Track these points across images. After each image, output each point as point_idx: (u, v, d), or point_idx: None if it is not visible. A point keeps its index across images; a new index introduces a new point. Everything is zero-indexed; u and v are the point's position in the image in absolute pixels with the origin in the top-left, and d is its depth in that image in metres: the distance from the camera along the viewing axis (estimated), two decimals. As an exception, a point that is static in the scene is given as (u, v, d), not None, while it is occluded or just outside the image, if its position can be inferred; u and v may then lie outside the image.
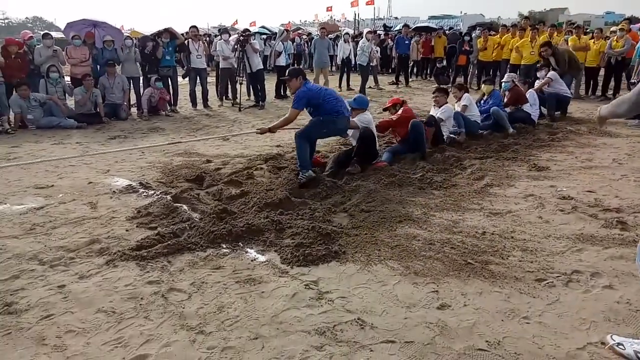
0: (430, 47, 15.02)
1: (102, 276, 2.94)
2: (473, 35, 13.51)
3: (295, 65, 16.98)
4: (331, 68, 16.12)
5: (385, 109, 6.25)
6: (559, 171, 5.20)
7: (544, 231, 3.63)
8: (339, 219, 3.96)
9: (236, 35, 10.46)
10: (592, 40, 10.87)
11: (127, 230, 3.64)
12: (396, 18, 43.00)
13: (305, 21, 58.75)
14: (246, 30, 11.22)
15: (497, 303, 2.66)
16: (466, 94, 6.88)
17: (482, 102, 7.44)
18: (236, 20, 40.97)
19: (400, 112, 5.80)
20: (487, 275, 2.95)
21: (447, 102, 6.52)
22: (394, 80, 14.36)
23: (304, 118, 5.23)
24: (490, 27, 15.67)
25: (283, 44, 11.88)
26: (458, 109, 6.66)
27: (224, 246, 3.38)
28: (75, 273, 2.97)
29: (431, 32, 16.31)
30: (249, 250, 3.34)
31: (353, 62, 13.31)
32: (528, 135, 6.89)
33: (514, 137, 6.74)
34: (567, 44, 10.76)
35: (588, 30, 13.91)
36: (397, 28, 20.89)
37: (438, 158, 5.63)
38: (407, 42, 14.57)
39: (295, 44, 18.40)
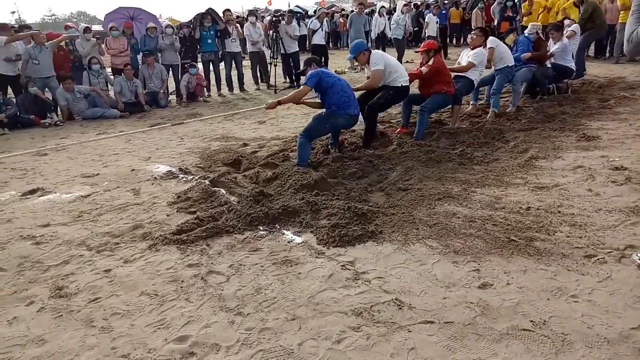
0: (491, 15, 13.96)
1: (145, 260, 3.04)
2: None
3: (330, 44, 16.76)
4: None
5: (419, 52, 5.90)
6: (610, 140, 4.88)
7: (594, 204, 3.42)
8: (376, 198, 3.90)
9: (268, 17, 10.40)
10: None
11: (167, 215, 3.74)
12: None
13: (340, -3, 57.46)
14: (278, 11, 11.12)
15: (543, 281, 2.54)
16: (491, 37, 6.49)
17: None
18: (270, 1, 40.63)
19: (430, 63, 5.46)
20: (532, 252, 2.82)
21: (481, 45, 6.17)
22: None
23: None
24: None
25: (320, 21, 11.69)
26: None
27: (261, 228, 3.41)
28: (120, 258, 3.09)
29: None
30: (285, 232, 3.36)
31: (388, 37, 12.95)
32: (577, 103, 6.49)
33: (560, 105, 6.37)
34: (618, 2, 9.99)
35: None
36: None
37: (478, 132, 5.42)
38: (444, 12, 13.99)
39: (331, 21, 18.12)
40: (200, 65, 9.82)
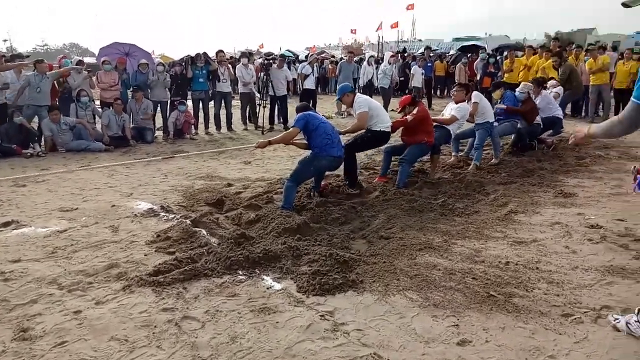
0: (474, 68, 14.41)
1: (118, 302, 2.95)
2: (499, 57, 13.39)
3: (319, 89, 17.20)
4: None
5: (400, 112, 6.00)
6: (586, 198, 5.01)
7: (571, 262, 3.47)
8: (358, 245, 3.89)
9: (260, 59, 10.67)
10: (622, 61, 10.64)
11: (145, 255, 3.67)
12: (420, 40, 43.12)
13: (330, 44, 59.53)
14: (270, 54, 11.44)
15: (521, 340, 2.53)
16: (475, 92, 6.77)
17: (496, 109, 7.21)
18: (262, 44, 41.81)
19: (415, 112, 5.58)
20: (511, 309, 2.82)
21: (464, 100, 6.41)
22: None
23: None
24: (515, 49, 15.48)
25: (311, 67, 12.04)
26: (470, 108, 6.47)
27: (241, 272, 3.36)
28: (92, 298, 2.99)
29: (476, 52, 15.85)
30: (265, 277, 3.31)
31: (376, 85, 13.35)
32: (554, 160, 6.70)
33: (539, 161, 6.59)
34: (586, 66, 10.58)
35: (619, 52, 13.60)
36: (421, 51, 20.91)
37: (460, 184, 5.54)
38: (429, 64, 14.55)
39: (321, 67, 18.64)
40: (190, 103, 9.92)
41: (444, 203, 4.85)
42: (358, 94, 5.69)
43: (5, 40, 52.61)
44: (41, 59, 8.78)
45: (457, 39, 33.04)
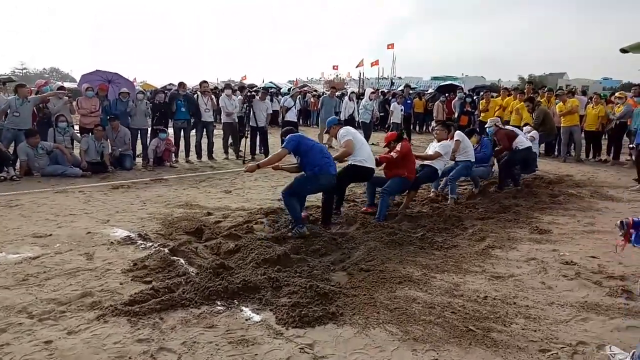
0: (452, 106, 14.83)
1: (92, 332, 2.85)
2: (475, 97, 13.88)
3: (301, 121, 17.43)
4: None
5: (385, 147, 6.20)
6: (561, 235, 5.15)
7: (547, 298, 3.53)
8: (338, 277, 3.89)
9: (244, 91, 10.81)
10: (591, 105, 11.18)
11: (121, 284, 3.57)
12: (400, 78, 44.42)
13: (312, 78, 60.79)
14: (253, 85, 11.61)
15: (500, 375, 2.54)
16: (458, 131, 7.00)
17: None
18: (245, 76, 42.36)
19: (399, 148, 5.78)
20: (489, 343, 2.84)
21: (446, 138, 6.61)
22: None
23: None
24: (491, 90, 16.10)
25: (293, 100, 12.24)
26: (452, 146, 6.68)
27: (219, 303, 3.30)
28: (64, 328, 2.88)
29: (454, 91, 16.39)
30: (244, 308, 3.26)
31: (357, 120, 13.62)
32: (529, 197, 6.89)
33: (515, 198, 6.77)
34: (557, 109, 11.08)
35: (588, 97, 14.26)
36: (400, 88, 21.53)
37: (439, 218, 5.63)
38: (408, 101, 14.99)
39: (303, 100, 18.95)
40: (171, 131, 9.91)
41: (423, 236, 4.91)
42: (344, 126, 5.84)
43: (-18, 63, 51.80)
44: (23, 83, 8.71)
45: (435, 78, 34.27)
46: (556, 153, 11.66)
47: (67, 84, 21.49)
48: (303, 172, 5.04)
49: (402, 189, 6.06)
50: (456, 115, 13.83)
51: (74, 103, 9.16)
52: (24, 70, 59.04)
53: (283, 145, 4.96)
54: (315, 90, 25.00)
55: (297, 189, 4.93)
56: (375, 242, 4.68)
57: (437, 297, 3.49)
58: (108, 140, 8.73)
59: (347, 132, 5.60)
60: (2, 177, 7.25)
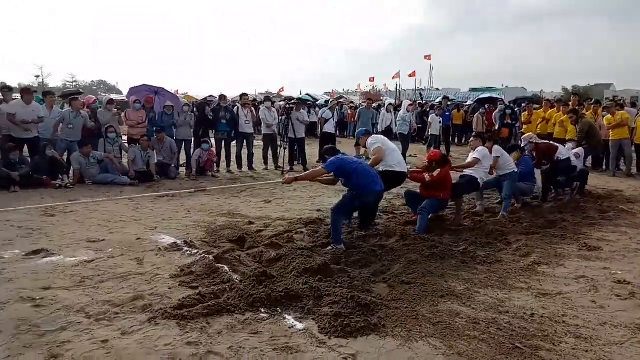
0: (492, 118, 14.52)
1: (144, 333, 2.98)
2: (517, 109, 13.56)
3: (338, 132, 17.53)
4: (372, 136, 16.46)
5: (427, 167, 5.97)
6: (612, 252, 4.95)
7: (599, 317, 3.41)
8: (379, 289, 3.89)
9: (282, 103, 11.02)
10: (641, 117, 10.72)
11: (169, 288, 3.71)
12: (437, 89, 43.96)
13: (348, 90, 61.03)
14: (291, 98, 11.81)
15: (550, 394, 2.47)
16: (496, 146, 6.87)
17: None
18: (282, 88, 43.08)
19: (436, 174, 5.60)
20: (538, 362, 2.77)
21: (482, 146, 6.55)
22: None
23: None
24: (532, 101, 15.69)
25: (332, 112, 12.38)
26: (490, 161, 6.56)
27: (263, 310, 3.38)
28: (119, 329, 3.03)
29: (494, 103, 16.10)
30: (287, 316, 3.32)
31: (394, 131, 13.58)
32: (577, 212, 6.66)
33: (561, 213, 6.57)
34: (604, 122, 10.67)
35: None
36: (438, 100, 21.33)
37: (481, 232, 5.53)
38: (447, 113, 14.84)
39: (340, 111, 19.07)
40: (213, 142, 10.21)
41: (465, 250, 4.84)
42: (372, 134, 5.91)
43: (37, 76, 55.00)
44: (77, 97, 9.21)
45: (473, 89, 33.58)
46: (604, 167, 11.21)
47: (113, 96, 22.54)
48: (350, 190, 5.10)
49: (440, 209, 6.04)
50: (497, 127, 13.56)
51: (123, 115, 9.62)
52: (74, 83, 62.17)
53: (324, 165, 5.05)
54: (352, 102, 25.11)
55: (346, 207, 5.06)
56: (416, 254, 4.65)
57: (481, 313, 3.43)
58: (154, 151, 9.09)
59: (376, 140, 5.68)
60: (57, 184, 7.68)
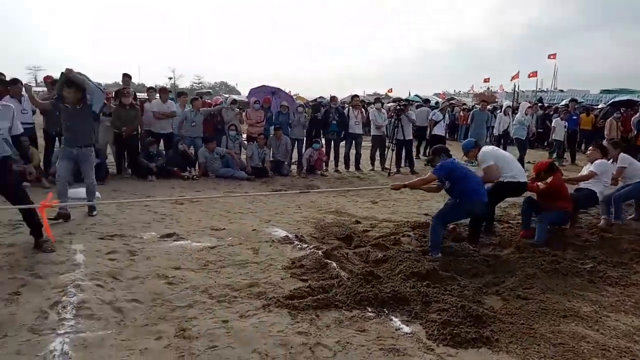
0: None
1: (259, 318, 3.20)
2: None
3: (447, 134, 16.93)
4: (486, 140, 15.61)
5: (535, 177, 5.61)
6: None
7: None
8: (491, 301, 3.70)
9: (393, 104, 10.95)
10: None
11: (282, 279, 3.93)
12: (561, 91, 40.07)
13: (460, 91, 58.53)
14: (400, 99, 11.68)
15: None
16: (623, 155, 6.06)
17: None
18: (390, 89, 42.79)
19: (549, 181, 5.33)
20: (684, 403, 2.42)
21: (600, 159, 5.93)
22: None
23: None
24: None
25: (442, 114, 12.02)
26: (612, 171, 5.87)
27: (369, 309, 3.41)
28: (237, 311, 3.29)
29: (632, 107, 14.42)
30: (393, 318, 3.31)
31: (511, 135, 12.73)
32: None
33: None
34: None
35: None
36: (564, 102, 19.45)
37: (612, 250, 4.96)
38: (574, 117, 13.51)
39: (451, 114, 18.40)
40: (323, 142, 10.53)
41: (593, 269, 4.38)
42: (483, 147, 5.54)
43: (170, 78, 61.45)
44: (196, 97, 10.11)
45: (606, 91, 29.93)
46: None
47: (233, 96, 24.31)
48: (454, 197, 4.90)
49: (561, 222, 5.60)
50: (634, 134, 11.99)
51: (243, 114, 10.35)
52: (200, 85, 68.43)
53: (433, 170, 4.90)
54: (464, 104, 24.05)
55: (449, 215, 4.88)
56: (534, 268, 4.33)
57: (611, 340, 3.09)
58: (271, 149, 9.65)
59: (488, 155, 5.28)
60: (185, 176, 8.54)
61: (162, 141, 9.26)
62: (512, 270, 4.32)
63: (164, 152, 9.05)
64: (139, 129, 8.74)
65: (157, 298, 3.43)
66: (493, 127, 12.73)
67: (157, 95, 9.34)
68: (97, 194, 5.95)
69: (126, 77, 9.66)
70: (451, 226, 5.31)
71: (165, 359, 2.64)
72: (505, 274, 4.23)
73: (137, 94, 10.57)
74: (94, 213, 5.68)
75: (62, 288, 3.51)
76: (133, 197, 6.84)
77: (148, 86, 11.10)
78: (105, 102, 8.44)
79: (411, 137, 10.80)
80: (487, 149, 5.54)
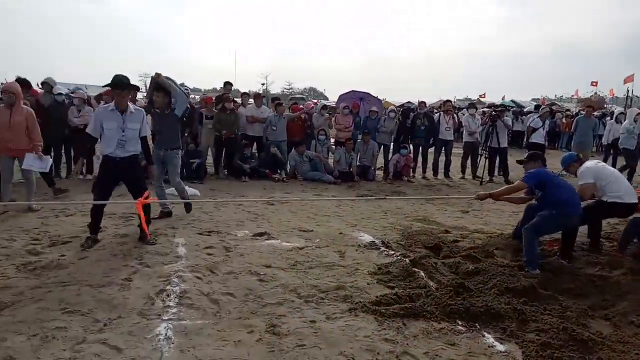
0: None
1: (345, 321, 3.22)
2: None
3: (547, 143, 15.76)
4: (593, 149, 14.24)
5: None
6: None
7: None
8: (598, 326, 3.37)
9: (488, 109, 10.45)
10: None
11: (368, 284, 3.92)
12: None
13: (562, 96, 54.14)
14: (494, 104, 11.10)
15: None
16: None
17: None
18: (484, 94, 40.79)
19: None
20: None
21: None
22: None
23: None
24: None
25: (542, 120, 11.22)
26: None
27: (460, 323, 3.28)
28: (324, 313, 3.34)
29: None
30: (486, 334, 3.15)
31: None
32: None
33: None
34: None
35: None
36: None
37: None
38: None
39: (551, 120, 17.11)
40: (411, 147, 10.34)
41: None
42: (586, 163, 5.05)
43: (263, 84, 64.29)
44: (280, 102, 10.42)
45: None
46: None
47: (324, 102, 24.81)
48: (547, 208, 4.54)
49: None
50: None
51: (332, 119, 10.51)
52: (290, 90, 70.72)
53: (524, 178, 4.62)
54: (567, 110, 22.21)
55: (543, 227, 4.50)
56: (652, 293, 3.86)
57: None
58: (358, 154, 9.69)
59: (588, 173, 4.81)
60: (276, 178, 8.88)
61: (254, 144, 9.72)
62: (623, 293, 3.89)
63: (256, 154, 9.48)
64: (237, 133, 9.27)
65: (250, 293, 3.60)
66: (601, 136, 11.61)
67: (251, 100, 9.82)
68: (197, 191, 6.38)
69: (228, 84, 10.32)
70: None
71: (256, 353, 2.76)
72: (616, 297, 3.83)
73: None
74: (189, 211, 5.96)
75: (166, 277, 3.83)
76: (228, 197, 7.26)
77: (242, 91, 11.71)
78: (206, 106, 9.12)
79: (506, 145, 10.22)
80: (590, 164, 5.06)
